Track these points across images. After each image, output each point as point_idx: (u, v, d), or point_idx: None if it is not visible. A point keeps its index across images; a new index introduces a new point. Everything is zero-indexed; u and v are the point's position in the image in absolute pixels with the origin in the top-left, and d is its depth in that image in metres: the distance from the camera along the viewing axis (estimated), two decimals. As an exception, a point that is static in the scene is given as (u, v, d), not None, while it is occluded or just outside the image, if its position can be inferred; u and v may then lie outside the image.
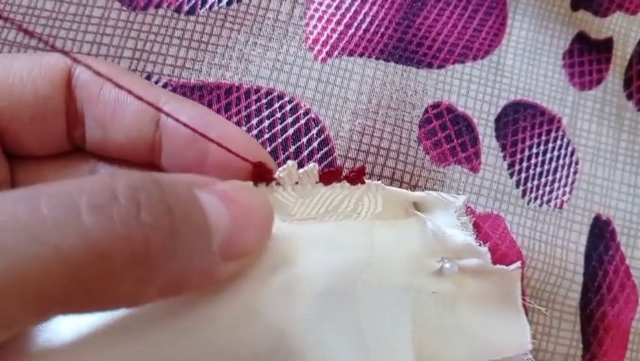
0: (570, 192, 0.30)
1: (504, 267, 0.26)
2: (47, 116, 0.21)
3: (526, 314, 0.27)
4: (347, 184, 0.24)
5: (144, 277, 0.15)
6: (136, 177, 0.15)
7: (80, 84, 0.21)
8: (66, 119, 0.21)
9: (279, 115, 0.27)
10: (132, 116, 0.21)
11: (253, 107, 0.27)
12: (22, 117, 0.21)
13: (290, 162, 0.22)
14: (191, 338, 0.19)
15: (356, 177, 0.24)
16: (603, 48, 0.33)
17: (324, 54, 0.29)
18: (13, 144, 0.21)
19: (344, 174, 0.24)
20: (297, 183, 0.23)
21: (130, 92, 0.18)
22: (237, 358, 0.20)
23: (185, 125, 0.19)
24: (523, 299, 0.27)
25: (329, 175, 0.24)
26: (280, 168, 0.22)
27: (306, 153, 0.27)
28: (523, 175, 0.30)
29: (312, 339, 0.21)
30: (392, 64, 0.29)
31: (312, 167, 0.23)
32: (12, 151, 0.21)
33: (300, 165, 0.26)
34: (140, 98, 0.18)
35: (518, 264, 0.26)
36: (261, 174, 0.22)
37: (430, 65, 0.30)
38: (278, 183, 0.23)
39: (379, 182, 0.25)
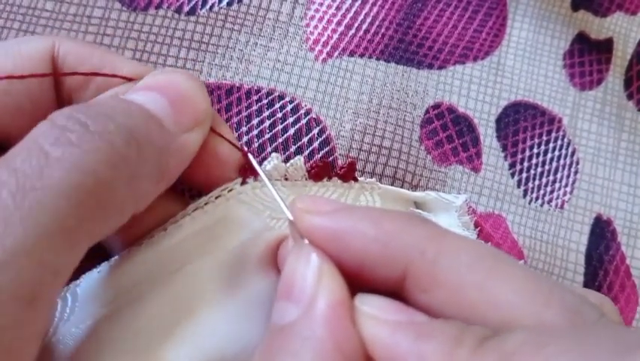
0: (571, 192, 0.30)
1: None
2: (43, 113, 0.21)
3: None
4: (339, 181, 0.24)
5: (131, 175, 0.17)
6: (65, 110, 0.18)
7: (68, 69, 0.22)
8: (57, 103, 0.22)
9: (279, 115, 0.27)
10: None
11: (254, 108, 0.27)
12: (22, 122, 0.21)
13: (274, 154, 0.22)
14: None
15: (347, 173, 0.24)
16: (603, 48, 0.33)
17: (324, 55, 0.29)
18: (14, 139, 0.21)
19: (334, 170, 0.24)
20: (286, 179, 0.23)
21: (115, 75, 0.21)
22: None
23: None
24: None
25: (318, 170, 0.23)
26: (265, 161, 0.22)
27: (307, 152, 0.27)
28: (524, 175, 0.30)
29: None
30: (393, 64, 0.29)
31: (297, 159, 0.23)
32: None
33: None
34: (126, 78, 0.21)
35: None
36: (249, 168, 0.22)
37: (430, 66, 0.30)
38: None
39: (373, 179, 0.24)
